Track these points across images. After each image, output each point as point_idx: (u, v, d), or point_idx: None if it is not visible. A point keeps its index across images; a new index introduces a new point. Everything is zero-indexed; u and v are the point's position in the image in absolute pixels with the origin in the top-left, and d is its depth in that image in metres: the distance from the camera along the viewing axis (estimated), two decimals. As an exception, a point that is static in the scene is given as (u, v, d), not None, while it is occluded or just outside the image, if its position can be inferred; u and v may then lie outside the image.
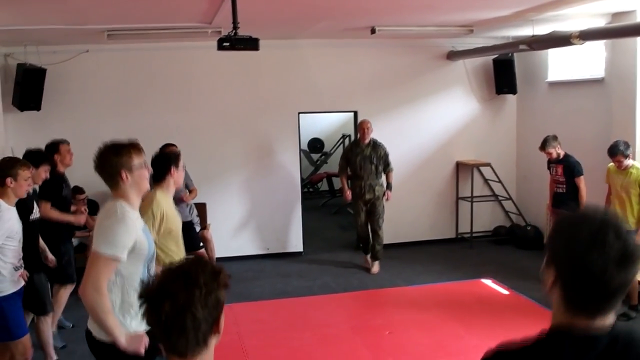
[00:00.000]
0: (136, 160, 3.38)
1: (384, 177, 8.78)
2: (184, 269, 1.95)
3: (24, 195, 5.11)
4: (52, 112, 8.59)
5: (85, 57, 8.76)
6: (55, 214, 6.16)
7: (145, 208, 4.22)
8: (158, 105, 9.09)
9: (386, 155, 8.74)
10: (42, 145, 6.46)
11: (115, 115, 8.96)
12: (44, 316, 5.76)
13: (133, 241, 3.25)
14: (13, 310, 4.86)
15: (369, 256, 8.96)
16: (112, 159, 3.33)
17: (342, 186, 9.04)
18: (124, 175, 3.32)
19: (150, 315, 1.90)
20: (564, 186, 7.68)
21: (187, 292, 1.87)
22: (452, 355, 6.02)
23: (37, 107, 8.41)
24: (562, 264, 1.59)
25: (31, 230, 5.40)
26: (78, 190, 8.23)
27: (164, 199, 4.44)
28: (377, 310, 7.37)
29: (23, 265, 5.01)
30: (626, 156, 6.67)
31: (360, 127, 8.75)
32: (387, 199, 8.73)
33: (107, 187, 3.42)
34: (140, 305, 1.92)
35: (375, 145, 8.71)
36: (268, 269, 9.10)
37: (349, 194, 8.83)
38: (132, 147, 3.42)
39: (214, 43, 6.60)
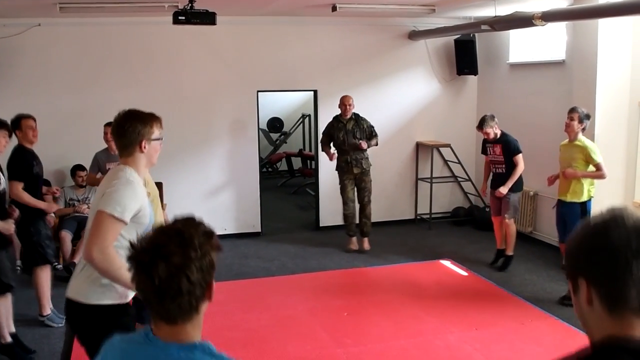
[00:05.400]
0: (157, 132, 3.36)
1: (369, 150, 8.69)
2: (178, 229, 1.82)
3: None
4: (1, 87, 8.27)
5: (37, 30, 8.44)
6: (27, 198, 5.82)
7: None
8: (114, 81, 8.81)
9: (371, 127, 8.69)
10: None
11: (70, 92, 8.68)
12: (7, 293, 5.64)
13: (138, 207, 3.19)
14: None
15: (354, 238, 8.88)
16: (138, 126, 3.27)
17: (326, 154, 8.82)
18: (144, 144, 3.28)
19: (141, 279, 1.78)
20: (503, 166, 7.67)
21: (182, 254, 1.76)
22: (411, 336, 5.98)
23: (-15, 82, 8.10)
24: (586, 262, 1.45)
25: None
26: (79, 167, 8.15)
27: None
28: (335, 291, 7.30)
29: None
30: (580, 121, 6.60)
31: (341, 102, 8.62)
32: (359, 145, 8.48)
33: (120, 151, 3.34)
34: (130, 268, 1.80)
35: (357, 118, 8.64)
36: (225, 250, 8.82)
37: (332, 155, 8.69)
38: (156, 119, 3.40)
39: (171, 18, 6.42)
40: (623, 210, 1.44)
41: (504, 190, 7.57)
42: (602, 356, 1.41)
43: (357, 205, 8.88)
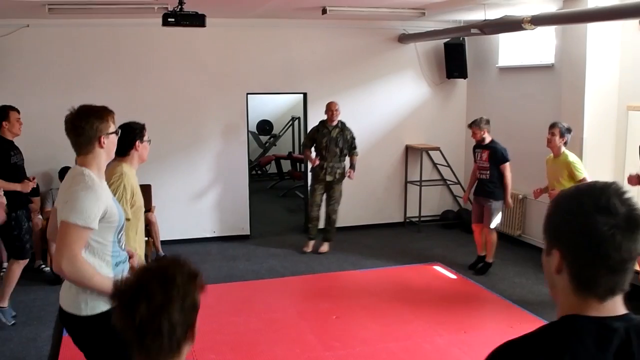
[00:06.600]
0: (112, 126, 3.27)
1: (347, 160, 8.74)
2: (161, 269, 1.83)
3: None
4: (-10, 88, 8.22)
5: (25, 32, 8.40)
6: (0, 183, 5.78)
7: (116, 181, 4.04)
8: (103, 83, 8.74)
9: (353, 139, 8.71)
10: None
11: (58, 93, 8.58)
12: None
13: (103, 209, 3.10)
14: None
15: (312, 242, 8.92)
16: (94, 122, 3.17)
17: (307, 158, 8.89)
18: (102, 140, 3.20)
19: (123, 318, 1.77)
20: (487, 172, 7.71)
21: (164, 294, 1.76)
22: (399, 339, 5.97)
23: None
24: (567, 238, 1.46)
25: None
26: (68, 169, 8.01)
27: (131, 173, 4.24)
28: (324, 294, 7.29)
29: None
30: (562, 135, 6.64)
31: (328, 108, 8.62)
32: (349, 177, 8.67)
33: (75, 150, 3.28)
34: (113, 307, 1.80)
35: (343, 127, 8.66)
36: (214, 252, 8.94)
37: (315, 160, 8.67)
38: (109, 112, 3.30)
39: (161, 20, 6.40)
40: (618, 193, 1.44)
41: (510, 203, 7.86)
42: (563, 330, 1.48)
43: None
